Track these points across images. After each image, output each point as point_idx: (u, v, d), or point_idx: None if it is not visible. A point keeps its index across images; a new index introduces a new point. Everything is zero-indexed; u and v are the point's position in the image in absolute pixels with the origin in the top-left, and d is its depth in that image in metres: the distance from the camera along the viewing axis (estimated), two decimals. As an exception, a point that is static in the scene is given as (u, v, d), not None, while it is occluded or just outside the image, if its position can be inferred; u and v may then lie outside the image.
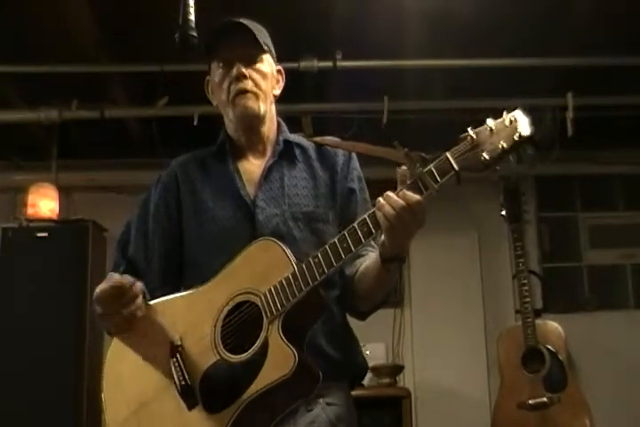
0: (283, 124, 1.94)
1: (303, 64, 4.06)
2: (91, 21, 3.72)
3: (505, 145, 1.43)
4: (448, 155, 1.46)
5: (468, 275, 5.03)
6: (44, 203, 4.46)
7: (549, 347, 4.14)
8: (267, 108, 1.87)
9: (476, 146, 1.45)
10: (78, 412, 4.00)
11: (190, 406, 1.65)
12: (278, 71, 1.93)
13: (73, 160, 4.82)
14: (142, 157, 4.74)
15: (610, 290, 5.16)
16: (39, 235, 4.25)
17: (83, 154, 4.92)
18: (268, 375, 1.55)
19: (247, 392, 1.57)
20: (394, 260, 1.62)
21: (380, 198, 1.51)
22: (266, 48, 1.86)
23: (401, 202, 1.48)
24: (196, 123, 4.26)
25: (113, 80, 4.29)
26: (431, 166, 1.46)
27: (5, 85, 4.27)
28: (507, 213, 4.34)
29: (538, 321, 4.21)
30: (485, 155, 1.44)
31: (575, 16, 3.76)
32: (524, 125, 1.43)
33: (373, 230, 1.53)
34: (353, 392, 1.83)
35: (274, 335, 1.57)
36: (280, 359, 1.54)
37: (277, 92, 1.93)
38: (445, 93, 4.37)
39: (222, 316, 1.67)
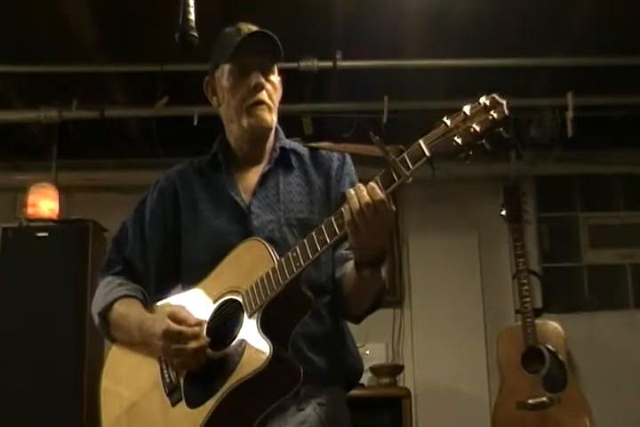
0: (280, 130, 1.94)
1: (303, 64, 4.06)
2: (91, 21, 3.71)
3: (478, 129, 1.40)
4: (420, 141, 1.44)
5: (468, 275, 5.03)
6: (44, 203, 4.46)
7: (549, 347, 4.15)
8: (275, 120, 1.88)
9: (449, 131, 1.43)
10: (78, 412, 4.00)
11: (174, 403, 1.69)
12: (279, 81, 1.93)
13: (73, 160, 4.82)
14: (142, 157, 4.74)
15: (610, 290, 5.15)
16: (39, 235, 4.25)
17: (83, 154, 4.92)
18: (245, 368, 1.56)
19: (224, 387, 1.58)
20: (365, 265, 1.59)
21: (351, 189, 1.50)
22: (280, 59, 1.86)
23: (367, 197, 1.47)
24: (195, 123, 4.26)
25: (113, 80, 4.28)
26: (404, 154, 1.45)
27: (5, 85, 4.27)
28: (507, 213, 4.34)
29: (538, 321, 4.21)
30: (457, 139, 1.41)
31: (575, 16, 3.76)
32: (498, 109, 1.40)
33: None
34: (353, 392, 1.84)
35: (252, 330, 1.59)
36: (256, 352, 1.55)
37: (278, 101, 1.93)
38: (445, 93, 4.37)
39: (209, 315, 1.70)
